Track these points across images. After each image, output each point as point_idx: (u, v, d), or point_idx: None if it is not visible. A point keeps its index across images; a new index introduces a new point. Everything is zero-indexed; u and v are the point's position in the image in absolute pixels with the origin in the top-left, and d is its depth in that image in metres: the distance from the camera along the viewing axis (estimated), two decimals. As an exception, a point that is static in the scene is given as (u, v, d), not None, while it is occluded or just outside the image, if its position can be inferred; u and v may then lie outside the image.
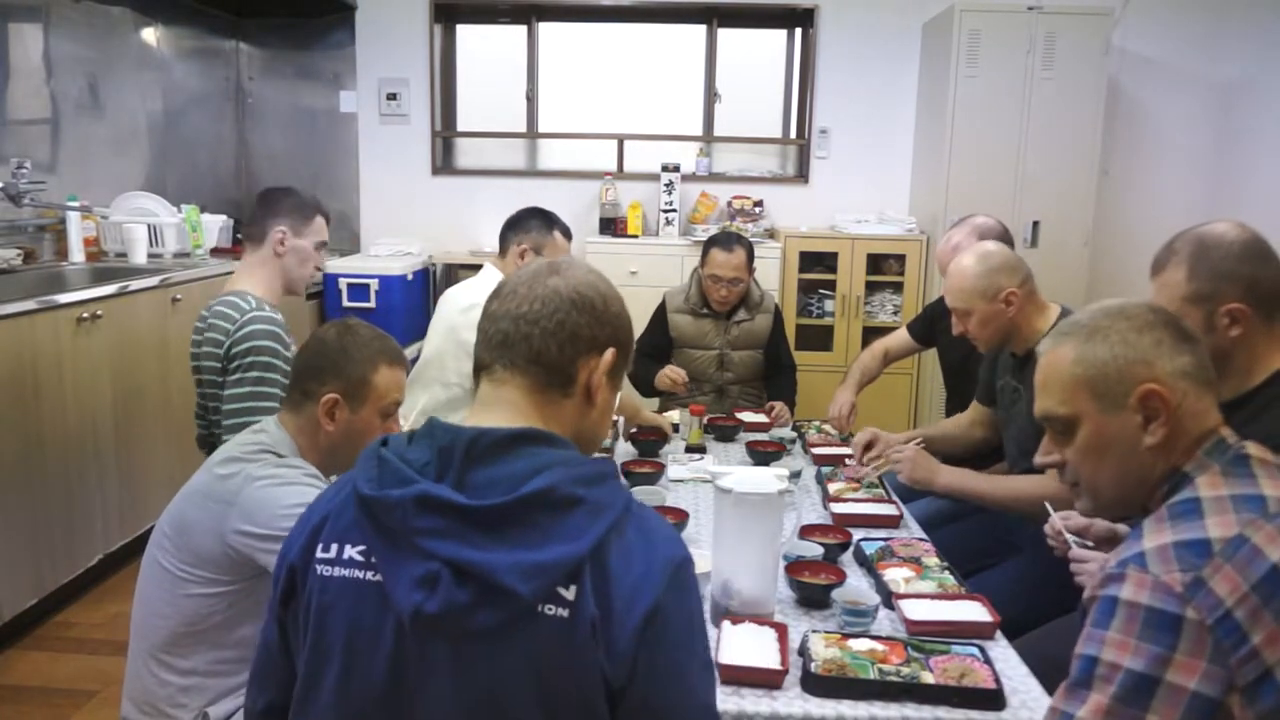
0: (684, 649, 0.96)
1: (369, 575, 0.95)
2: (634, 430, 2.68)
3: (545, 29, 5.23)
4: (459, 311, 2.62)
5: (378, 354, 1.64)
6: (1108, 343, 1.17)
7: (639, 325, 3.31)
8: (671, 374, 3.08)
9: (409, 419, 2.47)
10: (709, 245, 3.20)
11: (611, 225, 4.92)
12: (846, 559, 1.89)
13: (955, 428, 2.57)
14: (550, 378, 1.03)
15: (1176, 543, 1.04)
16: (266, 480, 1.55)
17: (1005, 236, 2.66)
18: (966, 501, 2.22)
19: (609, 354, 1.06)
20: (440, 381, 2.65)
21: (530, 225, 2.70)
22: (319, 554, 0.99)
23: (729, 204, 5.04)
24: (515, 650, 0.91)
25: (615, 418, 2.75)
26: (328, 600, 0.97)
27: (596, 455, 1.05)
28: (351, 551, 0.97)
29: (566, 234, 2.73)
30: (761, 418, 2.95)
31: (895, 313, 4.82)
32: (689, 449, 2.66)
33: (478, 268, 2.87)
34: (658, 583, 0.93)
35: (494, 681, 0.92)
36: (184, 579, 1.57)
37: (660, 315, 3.33)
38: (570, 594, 0.91)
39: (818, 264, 4.85)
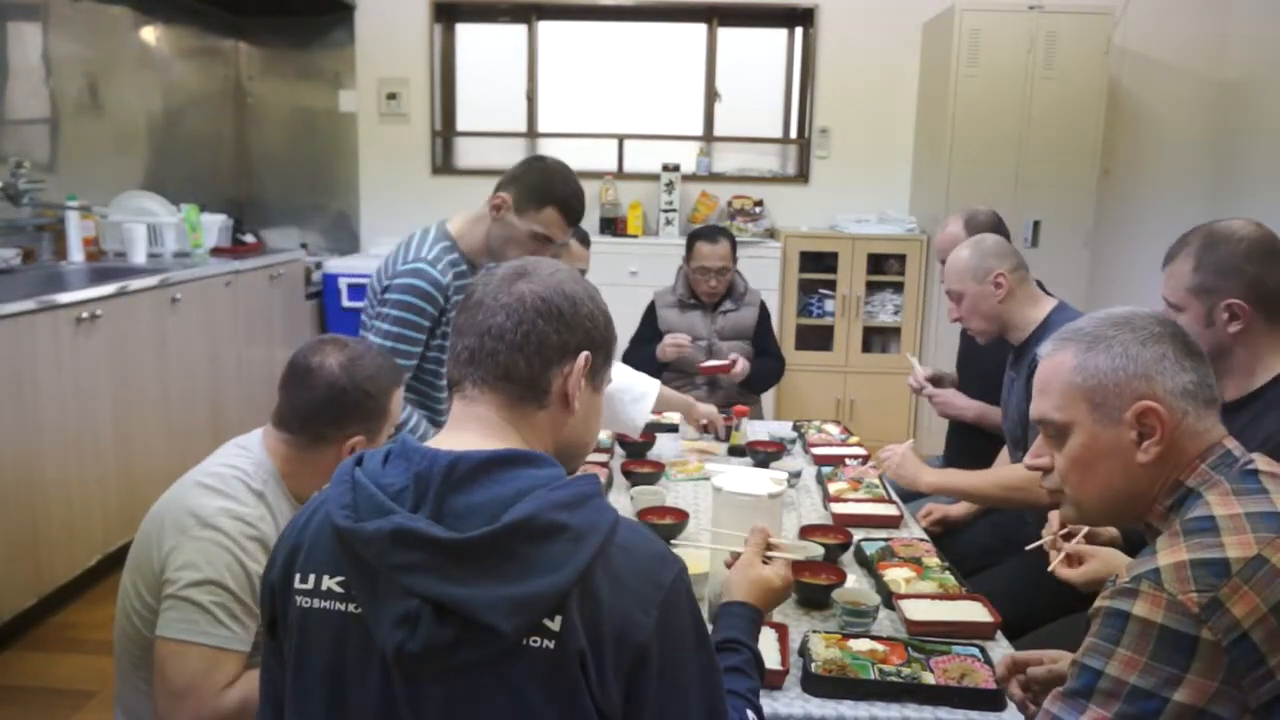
0: (682, 669, 0.94)
1: (350, 608, 0.93)
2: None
3: (545, 28, 5.23)
4: None
5: (390, 383, 1.61)
6: (1110, 353, 1.13)
7: (636, 325, 3.40)
8: (672, 340, 3.19)
9: None
10: (693, 239, 3.33)
11: (611, 225, 4.92)
12: (847, 559, 1.89)
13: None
14: (523, 392, 1.00)
15: (1194, 561, 1.02)
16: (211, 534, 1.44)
17: (999, 225, 2.69)
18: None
19: (582, 358, 1.02)
20: None
21: None
22: (297, 584, 0.96)
23: (729, 204, 5.04)
24: (503, 685, 0.89)
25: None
26: (309, 632, 0.96)
27: (584, 472, 1.02)
28: (330, 583, 0.95)
29: (584, 240, 2.70)
30: (720, 362, 3.11)
31: (896, 313, 4.82)
32: (731, 451, 2.62)
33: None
34: (647, 618, 0.91)
35: (486, 717, 0.90)
36: (130, 592, 1.49)
37: (650, 315, 3.46)
38: (555, 625, 0.88)
39: (818, 264, 4.84)
